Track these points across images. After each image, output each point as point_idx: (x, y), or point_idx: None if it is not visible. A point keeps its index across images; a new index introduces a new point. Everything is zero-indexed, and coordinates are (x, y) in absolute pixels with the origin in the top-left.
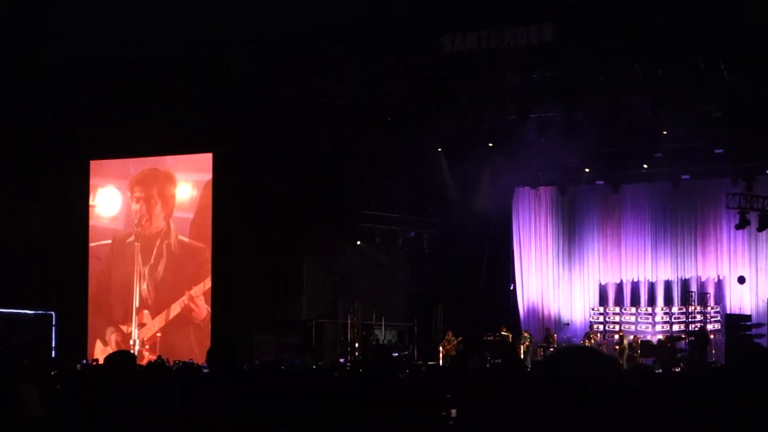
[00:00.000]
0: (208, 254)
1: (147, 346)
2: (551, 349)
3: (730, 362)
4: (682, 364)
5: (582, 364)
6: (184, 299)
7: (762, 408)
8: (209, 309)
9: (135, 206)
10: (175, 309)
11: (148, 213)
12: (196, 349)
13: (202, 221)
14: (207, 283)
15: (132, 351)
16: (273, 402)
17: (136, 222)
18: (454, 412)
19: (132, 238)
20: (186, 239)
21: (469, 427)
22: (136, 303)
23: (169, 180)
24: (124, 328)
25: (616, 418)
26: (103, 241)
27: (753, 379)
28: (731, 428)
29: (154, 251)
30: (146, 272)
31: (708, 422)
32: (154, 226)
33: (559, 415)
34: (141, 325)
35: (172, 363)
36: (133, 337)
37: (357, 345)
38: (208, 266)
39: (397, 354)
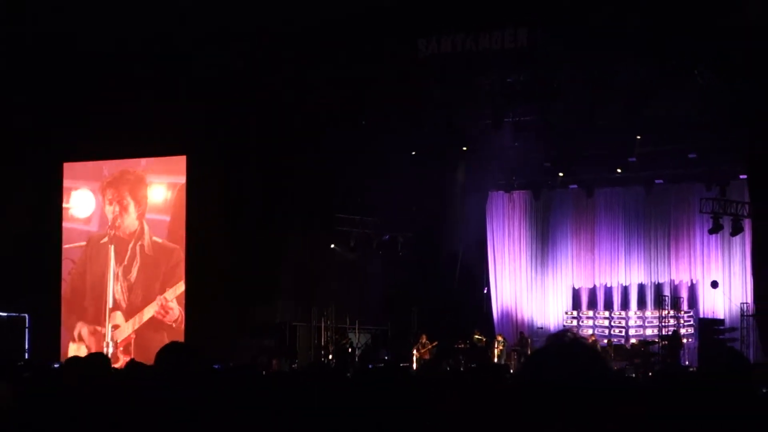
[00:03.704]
0: (182, 255)
1: (121, 348)
2: (528, 352)
3: (704, 366)
4: (655, 368)
5: (567, 363)
6: (158, 302)
7: (738, 412)
8: (183, 311)
9: (108, 208)
10: (149, 312)
11: (121, 215)
12: None
13: (178, 224)
14: (181, 286)
15: (105, 353)
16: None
17: (109, 224)
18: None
19: (105, 240)
20: (160, 240)
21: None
22: (109, 304)
23: (142, 182)
24: (98, 329)
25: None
26: (77, 243)
27: (728, 384)
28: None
29: (128, 253)
30: (120, 274)
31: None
32: (127, 227)
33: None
34: (115, 327)
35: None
36: (106, 339)
37: (330, 348)
38: (183, 267)
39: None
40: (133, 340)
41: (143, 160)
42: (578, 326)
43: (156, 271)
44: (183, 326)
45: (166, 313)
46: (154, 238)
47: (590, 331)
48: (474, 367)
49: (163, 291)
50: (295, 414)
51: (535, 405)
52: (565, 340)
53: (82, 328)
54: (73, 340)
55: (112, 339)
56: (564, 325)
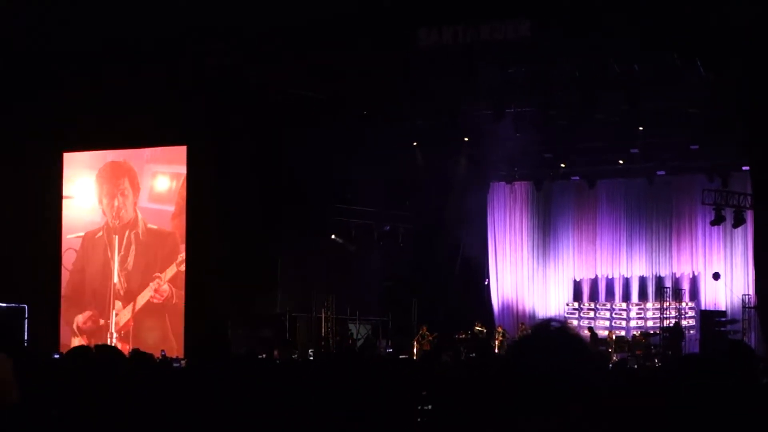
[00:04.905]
0: (177, 240)
1: (121, 334)
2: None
3: (709, 357)
4: (656, 360)
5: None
6: (153, 285)
7: (742, 402)
8: (180, 293)
9: (105, 198)
10: (145, 296)
11: (118, 204)
12: (172, 338)
13: (179, 213)
14: (173, 269)
15: (110, 342)
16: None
17: (106, 213)
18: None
19: (102, 231)
20: (155, 227)
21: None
22: (112, 293)
23: (140, 171)
24: (100, 320)
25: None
26: (78, 234)
27: (732, 376)
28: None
29: (124, 241)
30: (118, 262)
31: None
32: (124, 216)
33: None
34: (115, 315)
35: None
36: (110, 329)
37: (330, 339)
38: (179, 251)
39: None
40: (131, 327)
41: (146, 150)
42: (579, 317)
43: (153, 257)
44: (183, 313)
45: (162, 296)
46: (149, 225)
47: (588, 323)
48: (474, 357)
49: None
50: (295, 405)
51: (515, 395)
52: (550, 330)
53: (82, 319)
54: (72, 330)
55: (114, 329)
56: (565, 317)
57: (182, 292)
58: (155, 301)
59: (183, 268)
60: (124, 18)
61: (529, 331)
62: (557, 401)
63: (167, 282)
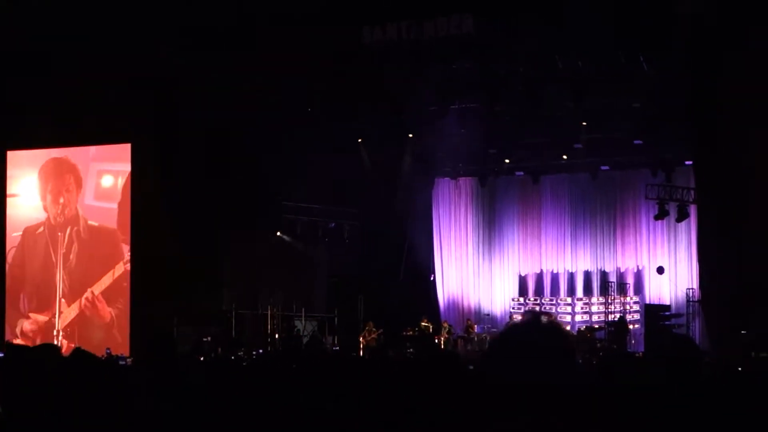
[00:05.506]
0: (120, 237)
1: (67, 332)
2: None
3: (650, 352)
4: (600, 354)
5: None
6: (87, 296)
7: (686, 397)
8: (111, 311)
9: (49, 194)
10: (74, 309)
11: (63, 200)
12: (117, 336)
13: (123, 211)
14: (108, 279)
15: (57, 341)
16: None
17: (49, 210)
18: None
19: (44, 228)
20: (96, 224)
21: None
22: (59, 292)
23: (84, 169)
24: (41, 318)
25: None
26: (19, 233)
27: (675, 369)
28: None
29: (66, 239)
30: (60, 260)
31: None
32: (65, 214)
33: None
34: (59, 314)
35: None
36: (56, 327)
37: (277, 336)
38: (122, 249)
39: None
40: (76, 327)
41: (92, 148)
42: (524, 312)
43: (95, 255)
44: (113, 324)
45: (94, 308)
46: (90, 222)
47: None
48: (420, 354)
49: (103, 274)
50: (238, 402)
51: (498, 398)
52: (541, 326)
53: (24, 320)
54: (13, 330)
55: (60, 326)
56: (510, 312)
57: (128, 291)
58: (87, 312)
59: (129, 267)
60: (68, 15)
61: (525, 318)
62: (534, 401)
63: (101, 293)
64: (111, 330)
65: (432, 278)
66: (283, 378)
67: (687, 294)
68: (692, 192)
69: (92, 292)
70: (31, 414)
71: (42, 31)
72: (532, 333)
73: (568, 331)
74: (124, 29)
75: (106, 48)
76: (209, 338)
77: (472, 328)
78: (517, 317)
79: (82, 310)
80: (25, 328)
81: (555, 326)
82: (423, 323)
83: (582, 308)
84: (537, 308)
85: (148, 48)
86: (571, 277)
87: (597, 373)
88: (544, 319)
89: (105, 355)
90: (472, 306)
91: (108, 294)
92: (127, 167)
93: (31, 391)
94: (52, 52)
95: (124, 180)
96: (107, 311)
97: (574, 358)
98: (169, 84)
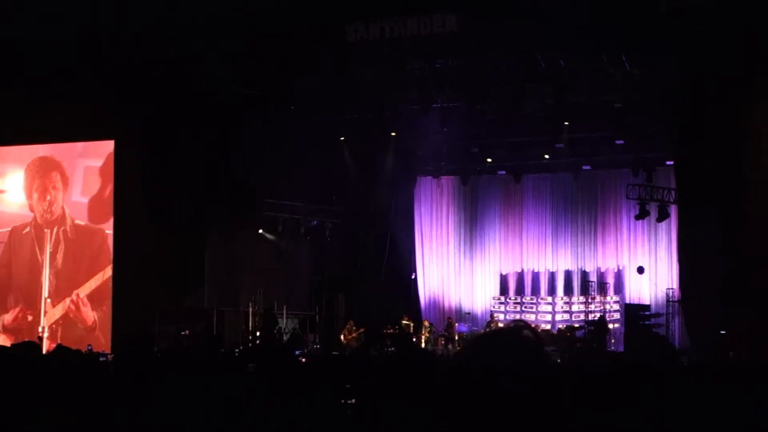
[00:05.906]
0: (105, 236)
1: (52, 329)
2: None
3: (630, 351)
4: (573, 351)
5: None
6: (72, 299)
7: (665, 396)
8: (95, 314)
9: (35, 193)
10: (59, 310)
11: (50, 198)
12: (99, 334)
13: (106, 208)
14: (97, 280)
15: (40, 340)
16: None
17: (35, 209)
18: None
19: (30, 228)
20: (83, 223)
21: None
22: (45, 291)
23: (69, 166)
24: (27, 316)
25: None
26: (7, 228)
27: (654, 369)
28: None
29: (53, 238)
30: (46, 261)
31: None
32: (52, 213)
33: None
34: (44, 313)
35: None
36: (41, 324)
37: (258, 333)
38: (107, 247)
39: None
40: (61, 326)
41: (79, 144)
42: (505, 311)
43: (82, 254)
44: (95, 326)
45: (78, 311)
46: (77, 221)
47: (517, 317)
48: (396, 353)
49: (91, 274)
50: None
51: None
52: (520, 337)
53: (9, 317)
54: (2, 331)
55: (44, 327)
56: (491, 311)
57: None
58: (71, 315)
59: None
60: (53, 10)
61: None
62: (508, 405)
63: (86, 296)
64: (93, 332)
65: (413, 277)
66: (264, 375)
67: (667, 294)
68: (673, 192)
69: (77, 295)
70: (13, 410)
71: (25, 27)
72: (510, 341)
73: (546, 351)
74: (110, 25)
75: (92, 43)
76: (187, 332)
77: (453, 327)
78: (498, 316)
79: (66, 312)
80: (8, 323)
81: (534, 341)
82: (404, 321)
83: (562, 307)
84: (520, 315)
85: (132, 43)
86: (552, 277)
87: (568, 368)
88: (526, 332)
89: (87, 351)
90: (453, 305)
91: (93, 297)
92: (108, 164)
93: (12, 388)
94: (37, 47)
95: (102, 176)
96: (91, 315)
97: (548, 371)
98: (151, 80)
